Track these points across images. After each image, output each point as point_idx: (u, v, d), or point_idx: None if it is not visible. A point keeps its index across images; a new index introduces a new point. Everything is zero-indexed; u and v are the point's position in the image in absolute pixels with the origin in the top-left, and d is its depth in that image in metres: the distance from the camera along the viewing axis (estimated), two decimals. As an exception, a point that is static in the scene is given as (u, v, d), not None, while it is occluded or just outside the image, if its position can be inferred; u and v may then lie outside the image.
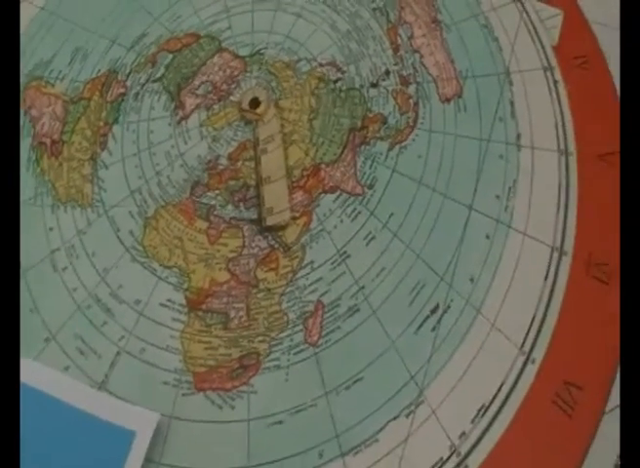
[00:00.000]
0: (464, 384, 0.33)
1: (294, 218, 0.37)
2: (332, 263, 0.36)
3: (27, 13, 0.45)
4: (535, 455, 0.32)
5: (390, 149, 0.39)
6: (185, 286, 0.36)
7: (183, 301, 0.36)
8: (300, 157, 0.39)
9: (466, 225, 0.36)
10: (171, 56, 0.43)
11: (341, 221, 0.37)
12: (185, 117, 0.41)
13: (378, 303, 0.35)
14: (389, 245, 0.36)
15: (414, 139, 0.39)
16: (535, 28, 0.42)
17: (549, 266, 0.35)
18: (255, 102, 0.40)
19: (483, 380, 0.33)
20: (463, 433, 0.32)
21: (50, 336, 0.35)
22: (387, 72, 0.41)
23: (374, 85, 0.40)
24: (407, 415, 0.33)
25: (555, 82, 0.40)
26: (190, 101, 0.41)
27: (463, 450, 0.32)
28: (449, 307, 0.35)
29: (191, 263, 0.37)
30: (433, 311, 0.35)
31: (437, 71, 0.41)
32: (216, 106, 0.41)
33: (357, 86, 0.40)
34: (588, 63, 0.41)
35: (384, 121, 0.39)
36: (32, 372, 0.34)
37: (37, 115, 0.42)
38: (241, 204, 0.38)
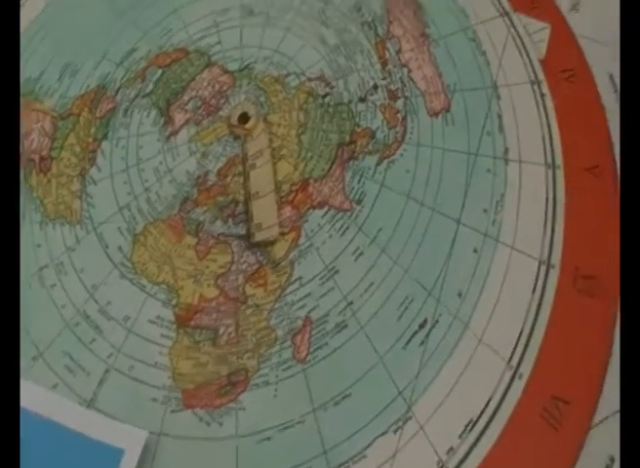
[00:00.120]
0: (452, 399, 0.33)
1: (282, 234, 0.37)
2: (320, 279, 0.36)
3: (17, 27, 0.45)
4: (522, 470, 0.32)
5: (378, 164, 0.39)
6: (174, 302, 0.36)
7: (172, 318, 0.36)
8: (288, 172, 0.39)
9: (454, 240, 0.37)
10: (160, 71, 0.43)
11: (330, 237, 0.37)
12: (175, 133, 0.41)
13: (366, 319, 0.35)
14: (377, 260, 0.36)
15: (402, 154, 0.39)
16: (522, 42, 0.42)
17: (537, 280, 0.36)
18: (244, 117, 0.40)
19: (471, 395, 0.33)
20: (451, 448, 0.32)
21: (37, 354, 0.35)
22: (375, 87, 0.41)
23: (362, 99, 0.41)
24: (395, 431, 0.33)
25: (542, 95, 0.40)
26: (179, 117, 0.41)
27: (451, 466, 0.32)
28: (437, 322, 0.35)
29: (180, 279, 0.37)
30: (421, 326, 0.35)
31: (425, 85, 0.41)
32: (205, 122, 0.41)
33: (345, 101, 0.41)
34: (575, 77, 0.41)
35: (373, 135, 0.40)
36: (20, 391, 0.34)
37: (26, 131, 0.42)
38: (230, 219, 0.38)
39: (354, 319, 0.35)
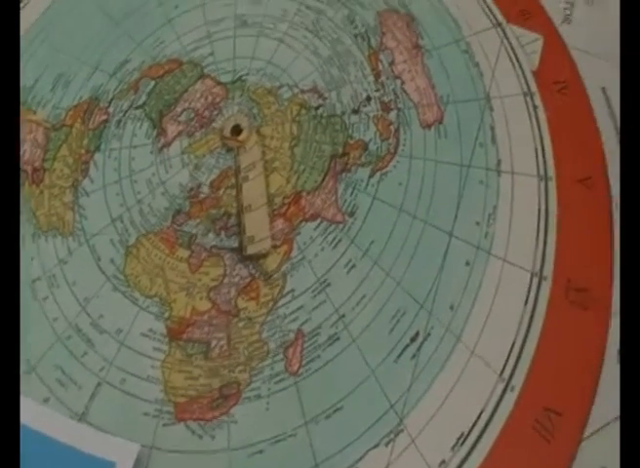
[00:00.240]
0: (444, 412, 0.33)
1: (274, 247, 0.37)
2: (312, 292, 0.36)
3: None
4: (514, 483, 0.32)
5: (371, 176, 0.39)
6: (166, 315, 0.36)
7: (164, 331, 0.36)
8: (281, 185, 0.39)
9: (447, 252, 0.37)
10: (153, 82, 0.43)
11: (322, 249, 0.37)
12: (167, 144, 0.41)
13: (358, 332, 0.35)
14: (370, 273, 0.36)
15: (395, 166, 0.39)
16: (515, 53, 0.42)
17: (529, 292, 0.36)
18: (236, 130, 0.40)
19: (463, 408, 0.33)
20: (443, 461, 0.32)
21: (29, 368, 0.35)
22: (368, 98, 0.41)
23: (355, 111, 0.41)
24: (387, 444, 0.33)
25: (535, 107, 0.40)
26: (172, 129, 0.41)
27: (443, 479, 0.32)
28: (429, 335, 0.35)
29: (172, 292, 0.37)
30: (413, 339, 0.35)
31: (418, 97, 0.41)
32: (197, 134, 0.41)
33: (338, 112, 0.41)
34: (568, 89, 0.41)
35: (365, 147, 0.40)
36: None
37: (19, 142, 0.42)
38: (222, 232, 0.38)
39: (346, 332, 0.35)
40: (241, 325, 0.36)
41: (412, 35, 0.43)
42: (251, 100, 0.42)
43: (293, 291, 0.36)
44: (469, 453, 0.32)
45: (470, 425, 0.33)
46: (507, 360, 0.34)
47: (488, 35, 0.43)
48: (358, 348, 0.35)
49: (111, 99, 0.43)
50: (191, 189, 0.39)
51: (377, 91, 0.41)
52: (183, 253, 0.38)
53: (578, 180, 0.38)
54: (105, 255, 0.38)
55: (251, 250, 0.37)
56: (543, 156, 0.39)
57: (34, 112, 0.42)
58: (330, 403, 0.33)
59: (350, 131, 0.40)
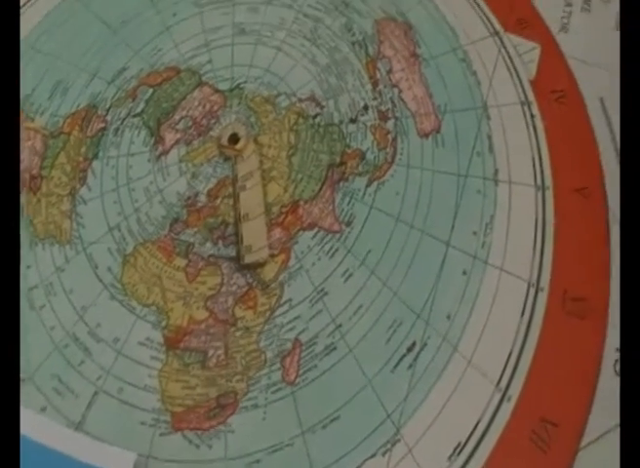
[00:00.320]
0: (441, 422, 0.33)
1: (272, 256, 0.37)
2: (309, 301, 0.36)
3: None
4: (510, 493, 0.32)
5: (368, 185, 0.39)
6: (164, 324, 0.36)
7: (162, 340, 0.36)
8: (278, 194, 0.39)
9: (444, 262, 0.37)
10: (151, 90, 0.43)
11: (319, 259, 0.37)
12: (165, 152, 0.41)
13: (354, 341, 0.35)
14: (367, 282, 0.36)
15: (392, 175, 0.39)
16: (512, 62, 0.42)
17: (526, 302, 0.36)
18: (234, 138, 0.40)
19: (459, 418, 0.33)
20: (440, 471, 0.32)
21: (26, 377, 0.35)
22: (366, 107, 0.41)
23: (353, 120, 0.41)
24: (383, 454, 0.33)
25: (532, 116, 0.41)
26: (170, 137, 0.41)
27: (439, 489, 0.32)
28: (425, 345, 0.35)
29: (170, 301, 0.37)
30: (410, 349, 0.35)
31: (416, 106, 0.41)
32: (195, 142, 0.41)
33: (336, 121, 0.41)
34: (565, 98, 0.41)
35: (363, 157, 0.40)
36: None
37: (16, 151, 0.42)
38: (220, 241, 0.38)
39: (343, 341, 0.35)
40: (238, 334, 0.36)
41: (409, 44, 0.43)
42: (248, 109, 0.42)
43: (290, 300, 0.36)
44: (466, 463, 0.32)
45: (467, 435, 0.33)
46: (504, 370, 0.34)
47: (485, 44, 0.43)
48: (355, 358, 0.35)
49: (109, 107, 0.43)
50: (189, 198, 0.39)
51: (374, 99, 0.41)
52: (181, 261, 0.38)
53: (575, 190, 0.39)
54: (103, 264, 0.38)
55: (248, 259, 0.37)
56: (541, 165, 0.39)
57: (32, 120, 0.42)
58: (327, 412, 0.34)
59: (348, 140, 0.40)
